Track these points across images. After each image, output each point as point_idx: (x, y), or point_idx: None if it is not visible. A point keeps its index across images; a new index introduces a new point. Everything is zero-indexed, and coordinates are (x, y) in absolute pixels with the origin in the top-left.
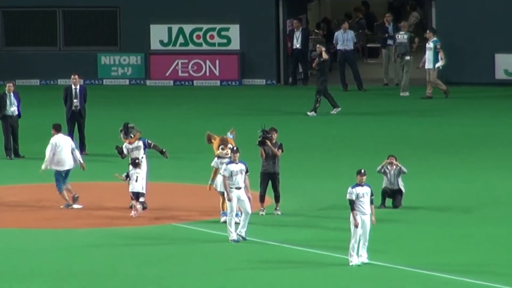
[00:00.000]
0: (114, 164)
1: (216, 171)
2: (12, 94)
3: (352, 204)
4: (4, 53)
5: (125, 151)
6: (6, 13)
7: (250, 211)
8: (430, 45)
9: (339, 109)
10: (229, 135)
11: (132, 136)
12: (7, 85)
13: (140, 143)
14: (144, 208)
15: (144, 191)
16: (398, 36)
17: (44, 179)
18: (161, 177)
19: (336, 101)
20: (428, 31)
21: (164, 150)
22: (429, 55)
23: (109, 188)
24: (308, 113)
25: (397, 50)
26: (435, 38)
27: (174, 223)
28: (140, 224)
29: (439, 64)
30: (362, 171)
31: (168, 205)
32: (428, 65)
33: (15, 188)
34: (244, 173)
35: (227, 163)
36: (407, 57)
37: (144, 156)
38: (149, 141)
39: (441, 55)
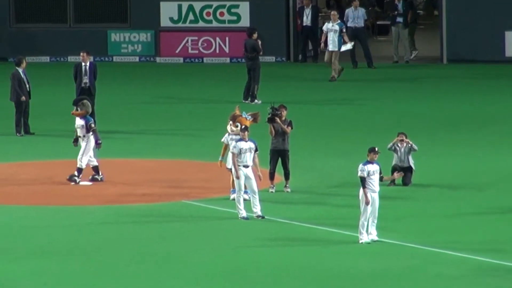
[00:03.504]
0: (124, 141)
1: (226, 147)
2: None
3: (363, 182)
4: (14, 30)
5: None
6: None
7: (257, 190)
8: (335, 27)
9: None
10: (245, 115)
11: (78, 109)
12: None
13: (82, 122)
14: (71, 180)
15: (79, 166)
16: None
17: (55, 156)
18: (172, 154)
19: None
20: (333, 13)
21: (99, 141)
22: (333, 37)
23: (118, 165)
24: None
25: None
26: (339, 21)
27: (184, 200)
28: (150, 201)
29: (348, 47)
30: (376, 149)
31: (179, 182)
32: (333, 47)
33: (26, 165)
34: (253, 151)
35: (237, 141)
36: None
37: (87, 135)
38: (92, 125)
39: (345, 38)
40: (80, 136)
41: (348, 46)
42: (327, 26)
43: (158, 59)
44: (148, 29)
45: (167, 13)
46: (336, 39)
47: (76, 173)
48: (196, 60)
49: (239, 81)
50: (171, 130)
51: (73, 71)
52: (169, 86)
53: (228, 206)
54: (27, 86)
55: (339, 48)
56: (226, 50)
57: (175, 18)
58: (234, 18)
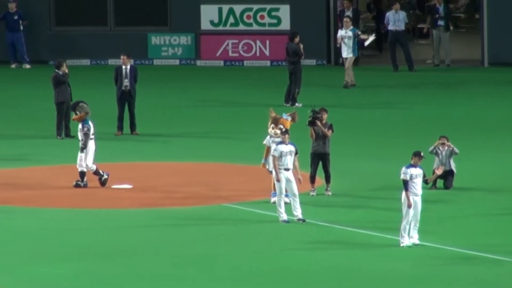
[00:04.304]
0: (164, 144)
1: (269, 150)
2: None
3: (405, 185)
4: (54, 33)
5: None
6: None
7: (297, 193)
8: (348, 33)
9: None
10: (285, 116)
11: (77, 113)
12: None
13: (80, 126)
14: (76, 185)
15: (80, 169)
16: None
17: (96, 159)
18: (212, 156)
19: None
20: (346, 19)
21: (83, 146)
22: (348, 43)
23: (158, 168)
24: None
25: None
26: (352, 27)
27: (225, 204)
28: (190, 204)
29: (370, 38)
30: (421, 153)
31: (219, 185)
32: (347, 54)
33: (65, 168)
34: (293, 154)
35: (278, 143)
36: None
37: (83, 138)
38: (85, 128)
39: (363, 36)
40: (79, 140)
41: (370, 38)
42: (340, 33)
43: (198, 62)
44: (189, 32)
45: (208, 16)
46: (351, 46)
47: (80, 178)
48: (237, 63)
49: (280, 84)
50: (211, 133)
51: (113, 74)
52: (209, 89)
53: (268, 209)
54: (69, 88)
55: (357, 53)
56: (267, 53)
57: (216, 21)
58: (275, 21)
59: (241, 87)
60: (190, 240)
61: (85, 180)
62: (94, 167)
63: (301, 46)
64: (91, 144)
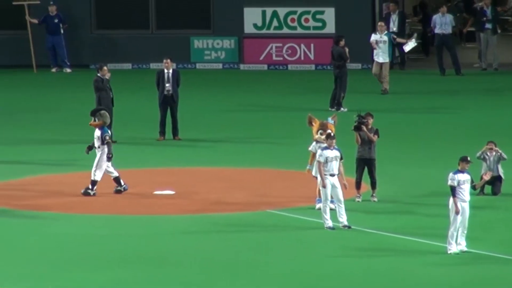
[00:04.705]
0: (208, 150)
1: (314, 155)
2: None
3: (453, 191)
4: (95, 36)
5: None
6: None
7: (342, 199)
8: (384, 38)
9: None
10: (330, 121)
11: (95, 120)
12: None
13: (99, 133)
14: (86, 194)
15: (93, 178)
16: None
17: (136, 164)
18: (256, 162)
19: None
20: (380, 23)
21: (110, 155)
22: (383, 48)
23: (202, 173)
24: None
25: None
26: (386, 31)
27: (269, 210)
28: (234, 210)
29: (411, 44)
30: (468, 158)
31: (263, 191)
32: (383, 59)
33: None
34: (339, 159)
35: (323, 149)
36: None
37: (102, 147)
38: (107, 137)
39: (401, 40)
40: (95, 147)
41: (411, 43)
42: (374, 37)
43: (241, 66)
44: (232, 35)
45: (251, 19)
46: (387, 50)
47: (90, 186)
48: (281, 67)
49: (324, 88)
50: (255, 138)
51: (155, 78)
52: (253, 94)
53: (313, 215)
54: (110, 93)
55: (399, 50)
56: (311, 57)
57: (259, 24)
58: (319, 24)
59: (285, 91)
60: (233, 247)
61: (123, 183)
62: (98, 178)
63: (347, 49)
64: (105, 152)
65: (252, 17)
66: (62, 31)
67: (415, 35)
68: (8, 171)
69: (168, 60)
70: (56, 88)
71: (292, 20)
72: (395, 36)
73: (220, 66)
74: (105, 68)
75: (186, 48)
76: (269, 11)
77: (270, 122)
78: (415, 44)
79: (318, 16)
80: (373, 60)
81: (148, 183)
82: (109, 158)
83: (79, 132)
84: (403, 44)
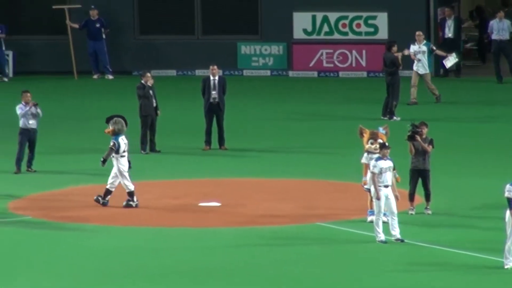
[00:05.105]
0: (255, 160)
1: (367, 167)
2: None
3: (510, 203)
4: (139, 42)
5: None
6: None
7: (396, 211)
8: (422, 48)
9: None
10: (381, 130)
11: (109, 127)
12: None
13: (112, 143)
14: (98, 201)
15: (108, 187)
16: None
17: (181, 175)
18: (305, 173)
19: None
20: (418, 33)
21: (102, 160)
22: (422, 59)
23: (249, 185)
24: None
25: None
26: (425, 41)
27: (319, 222)
28: (282, 223)
29: (452, 60)
30: None
31: (313, 203)
32: (424, 70)
33: (150, 185)
34: (392, 170)
35: (376, 160)
36: None
37: (116, 156)
38: (111, 142)
39: (441, 52)
40: (112, 157)
41: (452, 59)
42: (413, 48)
43: (290, 73)
44: (280, 41)
45: (301, 24)
46: (426, 61)
47: (129, 197)
48: (331, 74)
49: (377, 96)
50: (304, 148)
51: (201, 86)
52: (302, 102)
53: (365, 228)
54: (154, 101)
55: (440, 64)
56: (363, 63)
57: (309, 29)
58: (371, 30)
59: (336, 99)
60: (281, 261)
61: (135, 199)
62: (113, 187)
63: (399, 56)
64: (125, 162)
65: (301, 22)
66: (104, 36)
67: (454, 54)
68: (50, 181)
69: (214, 67)
70: (98, 96)
71: (343, 25)
72: (434, 48)
73: (268, 73)
74: (148, 74)
75: (233, 54)
76: (319, 15)
77: (320, 132)
78: (456, 60)
79: (370, 21)
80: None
81: (193, 194)
82: (102, 162)
83: None
84: (444, 57)
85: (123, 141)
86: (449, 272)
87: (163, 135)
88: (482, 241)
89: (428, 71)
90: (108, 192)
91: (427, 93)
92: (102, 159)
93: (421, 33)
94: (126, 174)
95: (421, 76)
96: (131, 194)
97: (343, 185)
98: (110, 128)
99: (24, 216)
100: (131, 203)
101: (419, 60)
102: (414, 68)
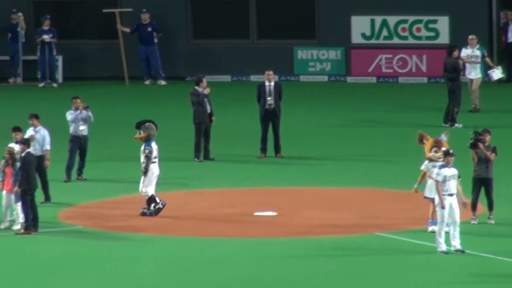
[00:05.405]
0: (312, 168)
1: (425, 175)
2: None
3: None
4: (192, 47)
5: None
6: (195, 3)
7: (459, 221)
8: (476, 53)
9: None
10: (443, 137)
11: (140, 133)
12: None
13: (142, 148)
14: (144, 214)
15: (146, 196)
16: None
17: (235, 183)
18: (363, 181)
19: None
20: (471, 37)
21: (144, 170)
22: (475, 63)
23: (306, 193)
24: None
25: None
26: (478, 45)
27: (378, 233)
28: (340, 233)
29: (499, 74)
30: None
31: (372, 213)
32: (474, 74)
33: (204, 193)
34: (457, 178)
35: (440, 167)
36: None
37: (145, 161)
38: (147, 150)
39: (490, 63)
40: (142, 163)
41: (499, 73)
42: (465, 52)
43: (348, 79)
44: (338, 46)
45: (359, 28)
46: (478, 66)
47: (147, 205)
48: (391, 80)
49: (437, 102)
50: (362, 155)
51: (256, 92)
52: (360, 108)
53: (425, 239)
54: (208, 107)
55: (485, 75)
56: (423, 69)
57: (368, 34)
58: (432, 34)
59: (395, 105)
60: (340, 272)
61: (154, 205)
62: (149, 193)
63: (461, 61)
64: (155, 168)
65: (360, 26)
66: (155, 41)
67: (501, 68)
68: (100, 189)
69: (270, 72)
70: (150, 102)
71: (403, 29)
72: (486, 54)
73: (325, 78)
74: (204, 81)
75: (289, 59)
76: (378, 19)
77: (379, 139)
78: (503, 75)
79: (430, 25)
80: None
81: (248, 203)
82: (143, 173)
83: (173, 149)
84: (490, 69)
85: (155, 146)
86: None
87: (217, 142)
88: None
89: (479, 76)
90: (152, 199)
91: (490, 99)
92: (143, 170)
93: (474, 36)
94: (154, 181)
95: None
96: (150, 201)
97: (403, 194)
98: (143, 134)
99: (74, 225)
100: (145, 211)
101: (475, 64)
102: (466, 73)
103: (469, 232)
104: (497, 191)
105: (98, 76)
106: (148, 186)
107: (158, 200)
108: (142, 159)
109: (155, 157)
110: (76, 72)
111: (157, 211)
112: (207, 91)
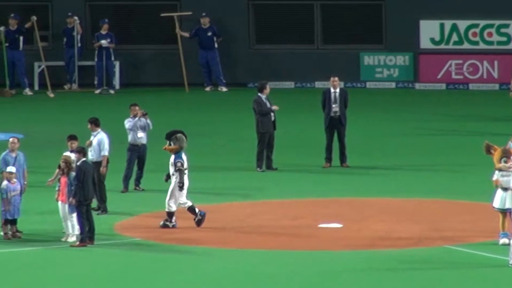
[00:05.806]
0: (379, 178)
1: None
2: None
3: None
4: (254, 52)
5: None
6: (257, 7)
7: None
8: None
9: None
10: (511, 145)
11: (171, 144)
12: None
13: (172, 159)
14: (164, 226)
15: (167, 210)
16: None
17: (299, 194)
18: (432, 192)
19: None
20: None
21: (180, 184)
22: None
23: (372, 204)
24: None
25: None
26: None
27: (447, 245)
28: (407, 246)
29: None
30: None
31: (440, 225)
32: None
33: (268, 204)
34: None
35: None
36: None
37: (176, 174)
38: (179, 163)
39: None
40: (172, 174)
41: None
42: None
43: (417, 85)
44: (406, 51)
45: (428, 33)
46: None
47: (168, 218)
48: (461, 87)
49: (509, 111)
50: (431, 165)
51: (321, 99)
52: (429, 116)
53: (497, 252)
54: (271, 115)
55: None
56: (495, 75)
57: (437, 39)
58: (504, 39)
59: (465, 113)
60: (407, 286)
61: (173, 220)
62: (173, 209)
63: None
64: (185, 180)
65: (429, 30)
66: (216, 46)
67: None
68: (158, 200)
69: (336, 78)
70: (211, 109)
71: (474, 34)
72: None
73: (393, 85)
74: (268, 87)
75: (355, 65)
76: (447, 24)
77: (448, 148)
78: None
79: (502, 30)
80: None
81: (312, 215)
82: (180, 188)
83: (233, 158)
84: None
85: (185, 158)
86: None
87: (280, 151)
88: None
89: None
90: (191, 210)
91: None
92: (179, 185)
93: None
94: (178, 194)
95: None
96: (170, 215)
97: (473, 206)
98: (173, 145)
99: (132, 237)
100: (167, 223)
101: None
102: None
103: None
104: None
105: (156, 82)
106: (179, 199)
107: (197, 211)
108: (172, 171)
109: (185, 169)
110: (134, 78)
111: (199, 222)
112: (275, 108)
